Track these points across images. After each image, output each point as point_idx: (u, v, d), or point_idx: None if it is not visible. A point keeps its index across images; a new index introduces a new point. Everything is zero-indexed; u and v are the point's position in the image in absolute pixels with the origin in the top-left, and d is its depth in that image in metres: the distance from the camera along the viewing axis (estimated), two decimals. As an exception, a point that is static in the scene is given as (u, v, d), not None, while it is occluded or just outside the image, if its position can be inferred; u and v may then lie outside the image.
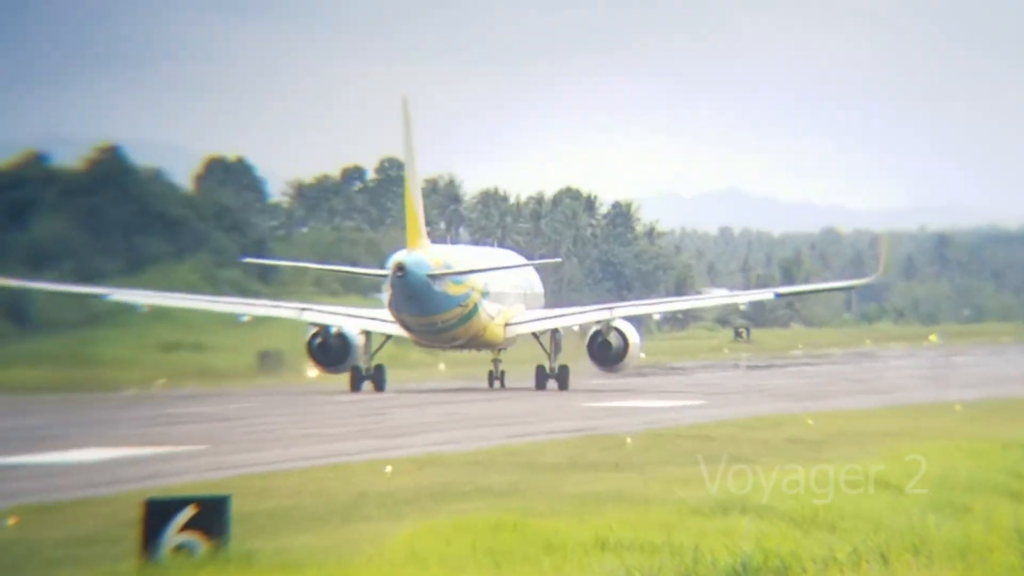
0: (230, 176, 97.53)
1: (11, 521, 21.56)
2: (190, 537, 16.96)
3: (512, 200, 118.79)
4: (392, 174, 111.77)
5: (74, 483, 27.82)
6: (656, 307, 77.75)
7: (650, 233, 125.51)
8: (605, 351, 62.16)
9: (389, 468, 28.88)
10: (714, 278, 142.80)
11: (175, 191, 75.55)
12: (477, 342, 63.35)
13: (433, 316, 60.21)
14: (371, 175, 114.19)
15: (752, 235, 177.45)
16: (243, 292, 68.27)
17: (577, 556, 19.06)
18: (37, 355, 61.63)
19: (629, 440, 35.98)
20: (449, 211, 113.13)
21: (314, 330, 61.88)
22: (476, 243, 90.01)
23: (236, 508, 17.85)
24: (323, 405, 53.39)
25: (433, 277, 59.76)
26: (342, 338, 61.12)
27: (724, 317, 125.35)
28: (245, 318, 63.17)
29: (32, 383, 59.55)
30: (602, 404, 50.28)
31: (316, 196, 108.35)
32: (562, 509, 22.90)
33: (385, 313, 61.72)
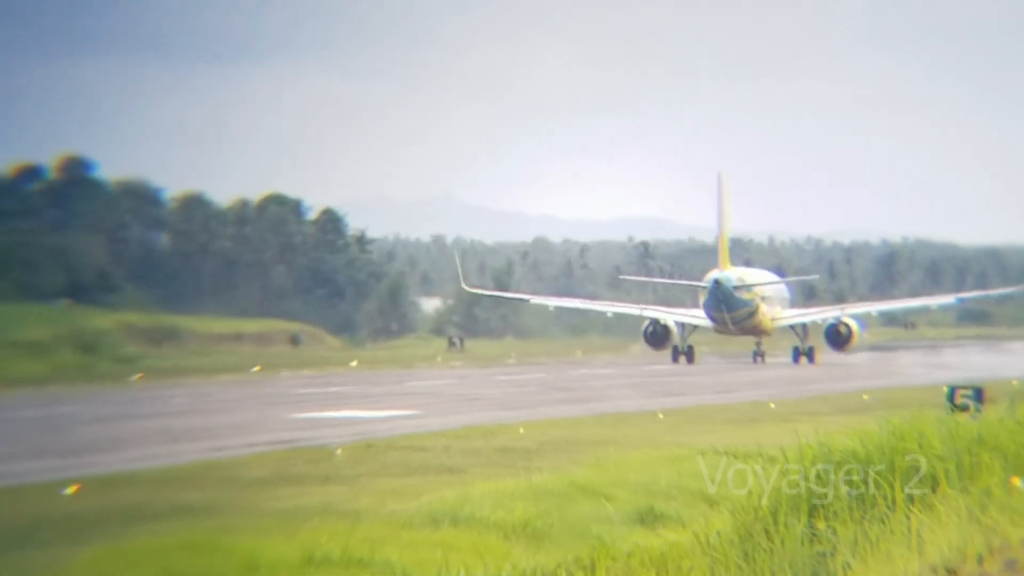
0: None
1: None
2: None
3: (217, 206, 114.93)
4: (76, 175, 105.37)
5: None
6: (875, 306, 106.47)
7: (361, 240, 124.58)
8: (837, 337, 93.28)
9: (70, 489, 27.23)
10: (428, 287, 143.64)
11: None
12: (756, 331, 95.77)
13: (733, 313, 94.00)
14: (52, 175, 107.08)
15: (466, 243, 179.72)
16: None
17: None
18: None
19: (339, 452, 35.50)
20: (146, 215, 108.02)
21: (646, 322, 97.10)
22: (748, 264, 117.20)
23: None
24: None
25: (735, 288, 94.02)
26: (665, 327, 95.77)
27: (438, 327, 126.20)
28: (610, 314, 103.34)
29: None
30: (311, 415, 49.48)
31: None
32: (266, 526, 22.20)
33: (693, 312, 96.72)
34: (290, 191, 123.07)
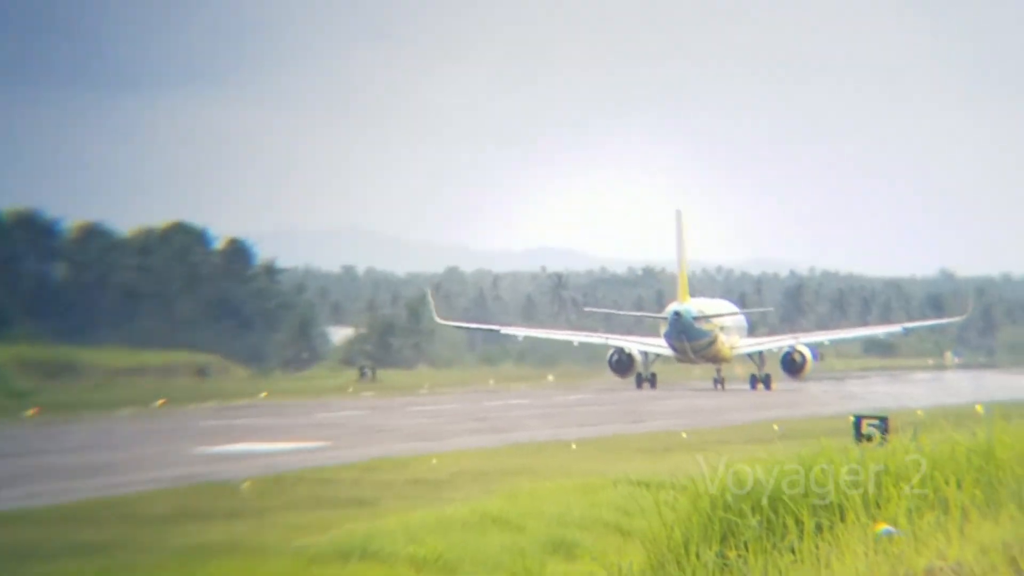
0: None
1: None
2: None
3: (118, 235, 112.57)
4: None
5: None
6: (828, 335, 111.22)
7: (270, 270, 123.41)
8: (792, 365, 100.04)
9: None
10: (339, 317, 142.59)
11: None
12: (716, 359, 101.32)
13: (694, 342, 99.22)
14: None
15: (377, 274, 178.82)
16: None
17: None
18: None
19: (246, 486, 34.97)
20: (41, 246, 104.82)
21: (611, 350, 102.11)
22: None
23: None
24: None
25: (695, 318, 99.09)
26: (629, 356, 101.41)
27: (349, 356, 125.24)
28: (576, 343, 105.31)
29: None
30: (217, 449, 48.69)
31: None
32: (166, 564, 21.74)
33: (655, 341, 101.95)
34: (197, 221, 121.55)
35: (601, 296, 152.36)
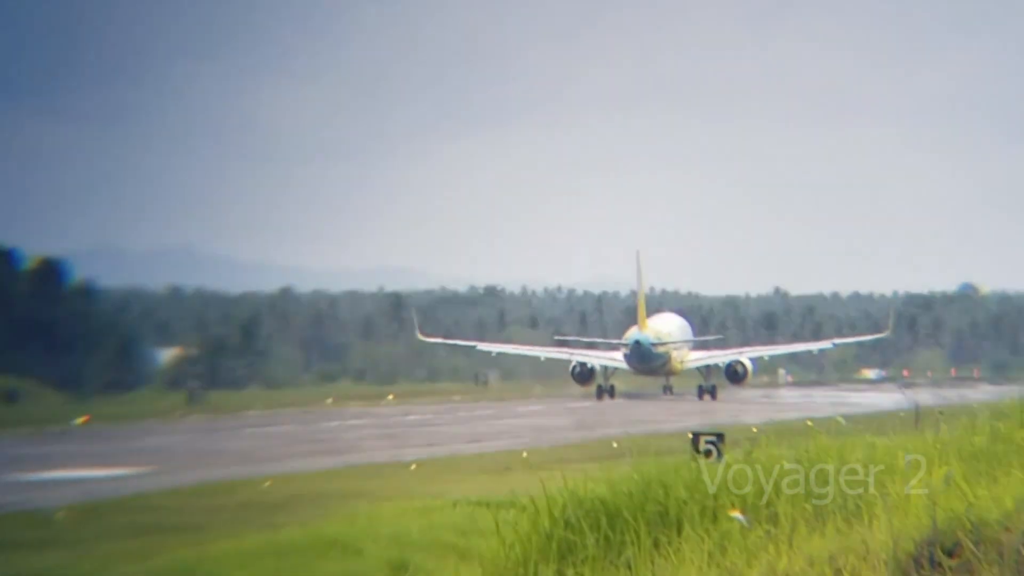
0: None
1: None
2: None
3: None
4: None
5: None
6: (766, 350, 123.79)
7: (87, 290, 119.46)
8: (735, 375, 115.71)
9: None
10: (166, 338, 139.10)
11: None
12: (668, 372, 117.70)
13: (650, 363, 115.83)
14: None
15: (207, 294, 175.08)
16: None
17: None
18: None
19: (61, 514, 33.90)
20: None
21: (574, 363, 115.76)
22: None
23: None
24: None
25: (653, 344, 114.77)
26: (591, 369, 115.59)
27: (177, 378, 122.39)
28: (543, 358, 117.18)
29: None
30: (26, 477, 46.97)
31: None
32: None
33: (615, 356, 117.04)
34: (6, 240, 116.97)
35: (442, 315, 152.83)
